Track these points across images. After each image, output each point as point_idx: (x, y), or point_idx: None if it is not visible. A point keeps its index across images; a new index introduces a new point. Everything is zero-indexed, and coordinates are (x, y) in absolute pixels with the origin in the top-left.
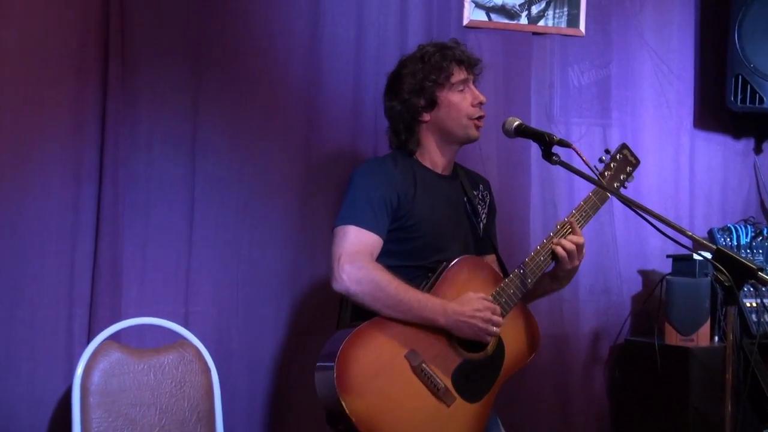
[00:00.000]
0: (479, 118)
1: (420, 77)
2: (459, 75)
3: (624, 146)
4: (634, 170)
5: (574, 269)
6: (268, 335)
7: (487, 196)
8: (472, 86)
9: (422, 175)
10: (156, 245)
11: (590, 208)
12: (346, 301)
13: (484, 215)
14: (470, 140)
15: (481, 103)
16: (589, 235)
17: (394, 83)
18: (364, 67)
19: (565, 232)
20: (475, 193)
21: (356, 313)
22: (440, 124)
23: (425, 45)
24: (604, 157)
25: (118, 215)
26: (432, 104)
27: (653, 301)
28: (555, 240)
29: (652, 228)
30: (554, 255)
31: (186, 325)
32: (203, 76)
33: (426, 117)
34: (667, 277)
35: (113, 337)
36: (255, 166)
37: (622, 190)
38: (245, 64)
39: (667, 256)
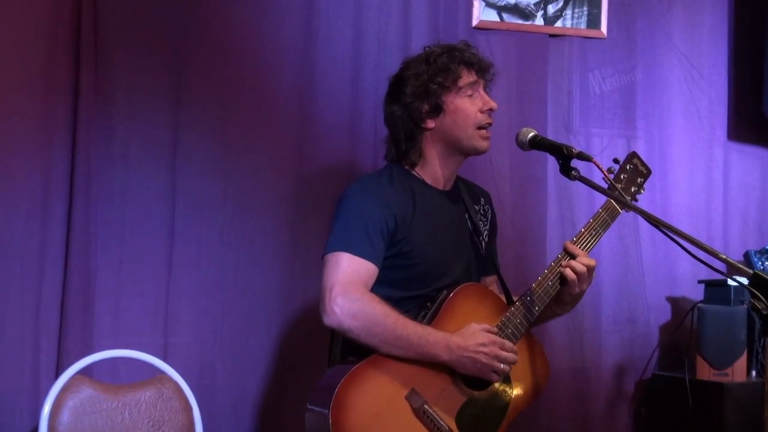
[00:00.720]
0: (487, 127)
1: (424, 79)
2: (467, 78)
3: (633, 155)
4: (645, 181)
5: (582, 293)
6: (256, 369)
7: (488, 210)
8: (482, 91)
9: (422, 192)
10: (132, 268)
11: (600, 226)
12: (337, 334)
13: (486, 233)
14: (477, 152)
15: (491, 110)
16: (612, 259)
17: (396, 86)
18: (362, 72)
19: (575, 252)
20: (476, 208)
21: (348, 347)
22: (445, 132)
23: (431, 46)
24: (612, 168)
25: (90, 234)
26: (437, 109)
27: (683, 331)
28: (564, 262)
29: (682, 250)
30: (562, 278)
31: (165, 358)
32: (185, 82)
33: (430, 124)
34: (698, 304)
35: (84, 371)
36: (242, 181)
37: (633, 202)
38: (231, 68)
39: (699, 282)
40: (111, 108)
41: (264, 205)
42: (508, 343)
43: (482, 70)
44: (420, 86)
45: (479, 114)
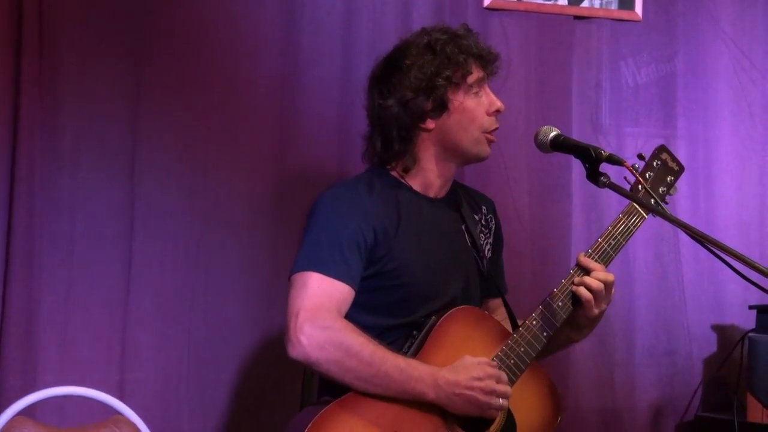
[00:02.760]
0: (493, 131)
1: (430, 72)
2: (477, 74)
3: (662, 149)
4: (676, 179)
5: (601, 314)
6: (227, 409)
7: (491, 220)
8: (488, 89)
9: (408, 201)
10: (83, 292)
11: (621, 235)
12: (311, 371)
13: (488, 248)
14: (478, 159)
15: (498, 112)
16: (648, 281)
17: (391, 75)
18: (354, 60)
19: (590, 266)
20: (476, 217)
21: (325, 385)
22: (447, 134)
23: (430, 30)
24: (637, 165)
25: (34, 253)
26: (441, 108)
27: (732, 365)
28: (576, 279)
29: (731, 270)
30: (575, 299)
31: (121, 397)
32: (145, 75)
33: (430, 124)
34: (749, 334)
35: (26, 411)
36: (212, 191)
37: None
38: (200, 59)
39: (750, 308)
40: (59, 105)
41: (238, 219)
42: (503, 375)
43: (489, 63)
44: (424, 80)
45: (486, 117)
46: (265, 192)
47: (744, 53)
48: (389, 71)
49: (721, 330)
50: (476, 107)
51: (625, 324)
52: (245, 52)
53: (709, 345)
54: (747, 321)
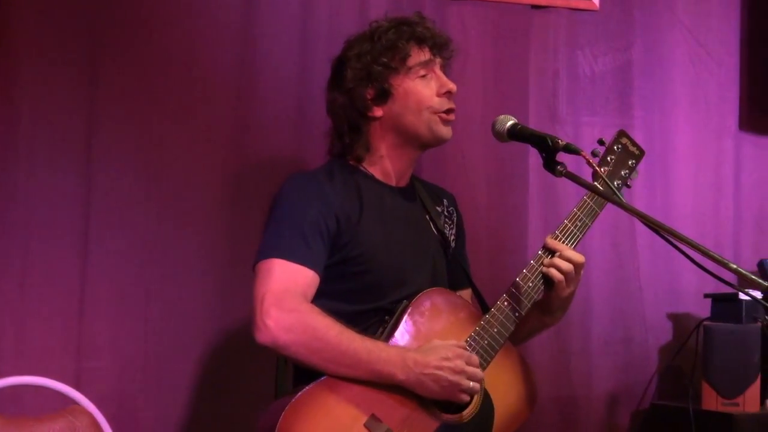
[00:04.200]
0: (448, 112)
1: (367, 60)
2: (419, 56)
3: (622, 134)
4: (637, 163)
5: (570, 296)
6: (185, 399)
7: (453, 213)
8: (439, 71)
9: (370, 189)
10: (38, 281)
11: (587, 216)
12: (285, 360)
13: (452, 237)
14: (438, 140)
15: (449, 93)
16: (605, 270)
17: (337, 70)
18: (311, 49)
19: (557, 248)
20: (438, 209)
21: (300, 375)
22: (396, 120)
23: (379, 21)
24: (597, 150)
25: None
26: (384, 95)
27: (687, 353)
28: (547, 261)
29: (686, 259)
30: (546, 281)
31: (78, 386)
32: (102, 65)
33: (377, 112)
34: (704, 322)
35: None
36: (169, 180)
37: (624, 191)
38: (157, 46)
39: (705, 296)
40: (12, 90)
41: (195, 208)
42: (474, 357)
43: (438, 46)
44: (362, 68)
45: (435, 98)
46: (222, 182)
47: (700, 43)
48: (337, 65)
49: (676, 318)
50: (422, 89)
51: (581, 313)
52: (202, 41)
53: (664, 333)
54: (702, 309)
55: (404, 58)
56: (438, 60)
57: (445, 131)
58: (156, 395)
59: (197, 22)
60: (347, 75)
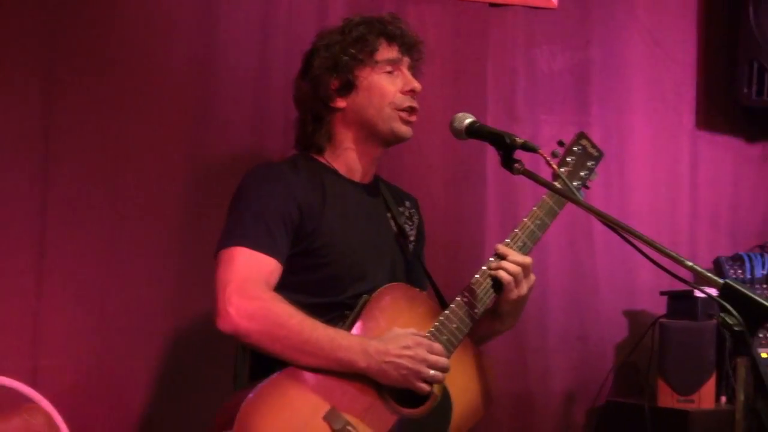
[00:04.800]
0: (410, 111)
1: (335, 50)
2: (387, 53)
3: (582, 135)
4: (597, 164)
5: (522, 300)
6: (141, 396)
7: (414, 215)
8: (406, 70)
9: (333, 183)
10: None
11: (546, 215)
12: (244, 351)
13: (412, 236)
14: (397, 138)
15: (413, 91)
16: (561, 267)
17: (306, 60)
18: (271, 45)
19: (505, 252)
20: (400, 209)
21: (258, 366)
22: (358, 113)
23: (352, 17)
24: (557, 152)
25: None
26: (348, 86)
27: (643, 350)
28: (494, 264)
29: (642, 257)
30: (496, 284)
31: (33, 385)
32: (58, 61)
33: (340, 103)
34: (660, 319)
35: None
36: (127, 177)
37: (583, 191)
38: (115, 44)
39: (661, 294)
40: None
41: (153, 204)
42: (437, 346)
43: (407, 46)
44: (329, 58)
45: (399, 94)
46: (180, 179)
47: (657, 41)
48: (307, 57)
49: (632, 316)
50: (386, 84)
51: (538, 310)
52: (160, 39)
53: (620, 330)
54: (658, 307)
55: (372, 51)
56: (406, 59)
57: (405, 130)
58: (113, 393)
59: (155, 19)
60: (315, 64)
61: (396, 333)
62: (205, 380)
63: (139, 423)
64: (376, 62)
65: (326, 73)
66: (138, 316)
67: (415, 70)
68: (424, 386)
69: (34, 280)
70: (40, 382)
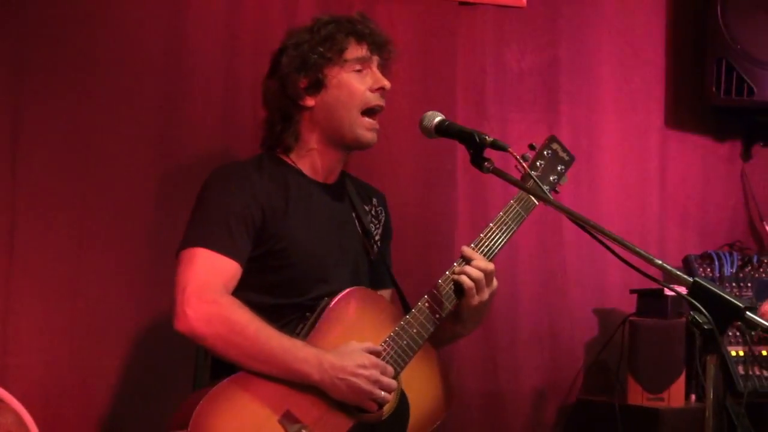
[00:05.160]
0: (378, 110)
1: (304, 49)
2: (356, 51)
3: (553, 139)
4: (567, 169)
5: (483, 306)
6: (111, 395)
7: (381, 212)
8: (375, 69)
9: (297, 184)
10: None
11: (513, 220)
12: (204, 352)
13: (377, 236)
14: (360, 146)
15: (382, 89)
16: (531, 265)
17: (275, 58)
18: (239, 44)
19: (471, 256)
20: (366, 208)
21: (218, 367)
22: (327, 111)
23: (322, 16)
24: (527, 155)
25: None
26: (317, 85)
27: (613, 349)
28: (457, 269)
29: (612, 256)
30: (458, 289)
31: (2, 383)
32: (27, 60)
33: (309, 101)
34: (630, 318)
35: None
36: (94, 174)
37: (553, 195)
38: (83, 44)
39: (631, 292)
40: None
41: (122, 204)
42: (390, 369)
43: (376, 45)
44: (298, 56)
45: (368, 93)
46: (149, 177)
47: (626, 40)
48: (276, 56)
49: (602, 314)
50: (355, 83)
51: (508, 308)
52: (129, 39)
53: (590, 329)
54: (628, 305)
55: (341, 50)
56: (375, 58)
57: (369, 138)
58: (82, 392)
59: (124, 20)
60: (284, 62)
61: (353, 348)
62: (174, 379)
63: (108, 421)
64: (345, 61)
65: (295, 72)
66: (107, 315)
67: (384, 69)
68: (374, 405)
69: (2, 279)
70: (9, 381)
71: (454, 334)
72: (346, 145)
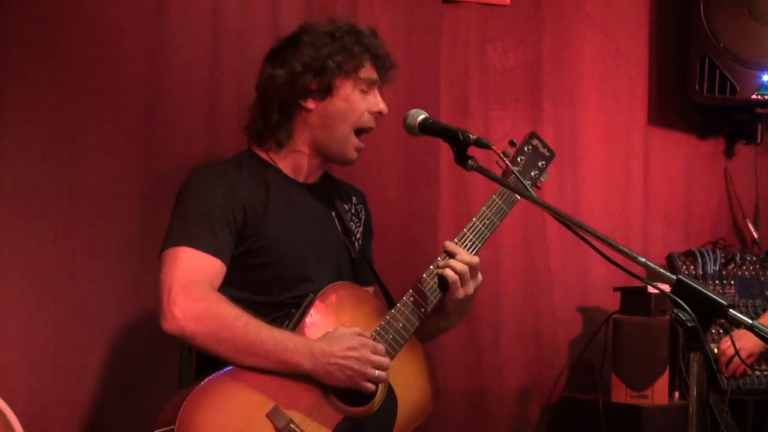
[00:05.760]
0: (368, 131)
1: (324, 53)
2: (369, 72)
3: (533, 135)
4: (547, 165)
5: (467, 299)
6: (96, 393)
7: (361, 211)
8: (377, 92)
9: (277, 183)
10: None
11: (495, 215)
12: (189, 350)
13: (358, 234)
14: (342, 162)
15: (380, 114)
16: (515, 263)
17: (287, 48)
18: (223, 44)
19: (454, 250)
20: (346, 207)
21: (203, 365)
22: (324, 119)
23: (337, 20)
24: (508, 151)
25: None
26: (326, 91)
27: (596, 346)
28: (441, 262)
29: (595, 254)
30: (442, 283)
31: None
32: (10, 55)
33: (311, 104)
34: (614, 315)
35: None
36: (79, 171)
37: (534, 191)
38: (66, 39)
39: (615, 290)
40: None
41: (105, 201)
42: (380, 346)
43: (385, 69)
44: (316, 58)
45: (366, 114)
46: (133, 176)
47: (609, 38)
48: (286, 46)
49: (586, 312)
50: (359, 102)
51: (491, 306)
52: (113, 35)
53: (574, 327)
54: (611, 303)
55: (357, 67)
56: (378, 82)
57: (354, 156)
58: (66, 391)
59: (107, 15)
60: (298, 58)
61: (340, 333)
62: (158, 377)
63: (92, 419)
64: (359, 78)
65: (309, 72)
66: (91, 313)
67: (381, 91)
68: (370, 386)
69: None
70: None
71: (438, 329)
72: (329, 156)
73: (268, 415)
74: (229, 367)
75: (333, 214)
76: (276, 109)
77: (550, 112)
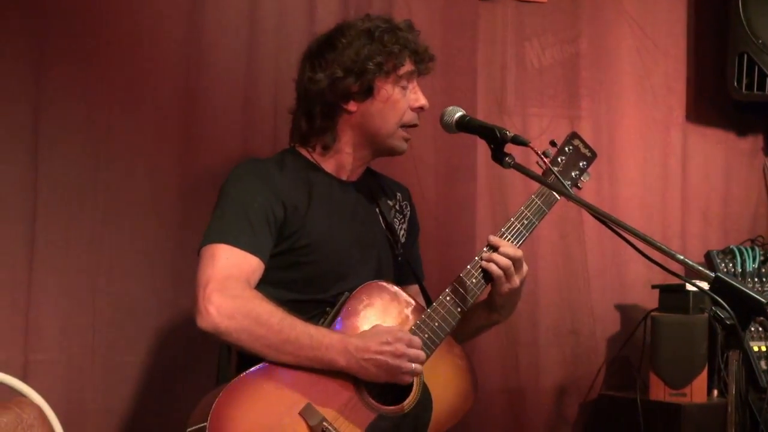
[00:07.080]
0: (411, 127)
1: (363, 55)
2: (408, 67)
3: (574, 135)
4: (588, 165)
5: (515, 293)
6: (133, 391)
7: (406, 207)
8: (417, 86)
9: (320, 182)
10: None
11: (534, 215)
12: (228, 348)
13: (402, 233)
14: (393, 153)
15: (421, 109)
16: (552, 261)
17: (325, 52)
18: (259, 42)
19: (497, 243)
20: (390, 203)
21: (243, 363)
22: (367, 119)
23: (374, 17)
24: (548, 151)
25: None
26: (367, 93)
27: (635, 344)
28: (485, 256)
29: (634, 251)
30: (487, 276)
31: (25, 378)
32: (48, 46)
33: (352, 106)
34: (652, 313)
35: None
36: (117, 169)
37: (575, 191)
38: (105, 35)
39: (653, 287)
40: None
41: (144, 199)
42: (416, 339)
43: (424, 61)
44: (356, 61)
45: (409, 111)
46: (170, 172)
47: (647, 34)
48: (324, 47)
49: (624, 309)
50: (401, 99)
51: (529, 304)
52: (150, 32)
53: (612, 324)
54: (650, 300)
55: (397, 66)
56: (417, 73)
57: (403, 146)
58: (104, 387)
59: (144, 12)
60: (338, 62)
61: (376, 329)
62: (196, 375)
63: (130, 416)
64: (399, 77)
65: (349, 75)
66: (129, 311)
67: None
68: (407, 378)
69: (25, 275)
70: (32, 377)
71: (490, 322)
72: (378, 150)
73: (301, 413)
74: (262, 365)
75: (376, 210)
76: (318, 113)
77: (588, 109)
